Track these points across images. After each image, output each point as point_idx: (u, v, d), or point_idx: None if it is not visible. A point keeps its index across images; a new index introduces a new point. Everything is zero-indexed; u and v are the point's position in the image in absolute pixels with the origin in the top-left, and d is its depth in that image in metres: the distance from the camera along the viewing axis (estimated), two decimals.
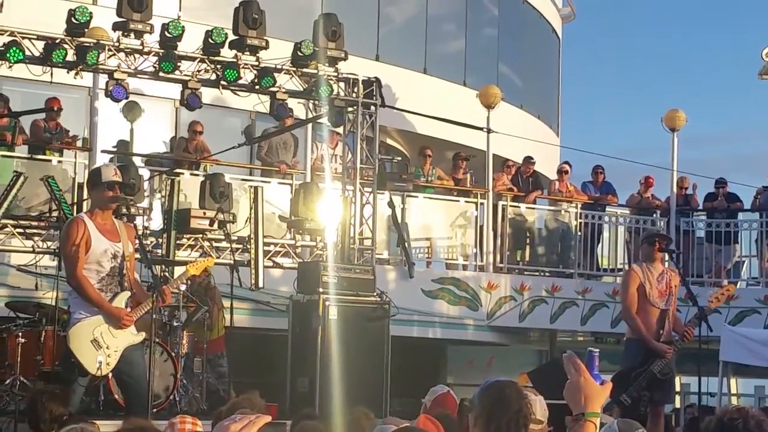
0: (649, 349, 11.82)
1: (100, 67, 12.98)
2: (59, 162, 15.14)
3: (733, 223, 20.00)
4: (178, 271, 12.89)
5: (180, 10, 19.47)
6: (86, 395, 10.45)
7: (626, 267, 19.98)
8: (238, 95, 14.19)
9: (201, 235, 14.14)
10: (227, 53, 13.54)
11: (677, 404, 21.47)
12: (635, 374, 11.75)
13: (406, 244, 17.36)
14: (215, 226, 13.88)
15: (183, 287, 12.32)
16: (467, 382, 22.02)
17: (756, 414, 4.91)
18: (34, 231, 13.55)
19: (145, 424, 4.29)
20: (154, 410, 10.31)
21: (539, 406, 6.88)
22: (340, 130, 15.84)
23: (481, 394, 5.26)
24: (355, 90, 14.55)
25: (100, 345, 9.31)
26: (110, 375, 10.09)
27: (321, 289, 12.85)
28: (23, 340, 11.96)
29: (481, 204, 18.66)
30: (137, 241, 9.72)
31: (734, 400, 23.37)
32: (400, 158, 19.56)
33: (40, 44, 12.65)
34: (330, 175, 16.25)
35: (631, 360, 12.06)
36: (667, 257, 13.01)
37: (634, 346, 12.07)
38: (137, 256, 9.72)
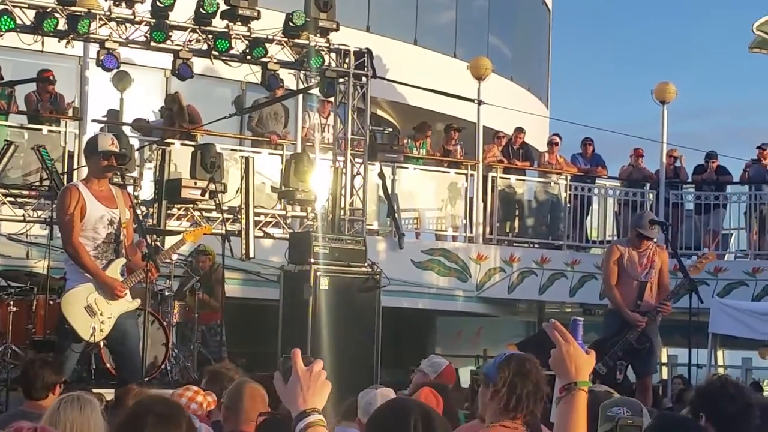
0: (625, 319, 12.02)
1: (92, 36, 12.95)
2: (50, 131, 15.10)
3: (722, 196, 20.06)
4: (169, 240, 12.91)
5: None
6: (78, 363, 10.47)
7: (615, 239, 20.12)
8: (230, 65, 14.18)
9: (192, 205, 14.15)
10: (219, 23, 13.51)
11: (664, 375, 21.60)
12: (610, 343, 11.91)
13: (396, 215, 17.37)
14: (206, 196, 13.89)
15: (175, 256, 12.32)
16: (455, 353, 22.13)
17: (733, 379, 5.07)
18: (25, 200, 13.56)
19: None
20: (146, 379, 10.34)
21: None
22: (331, 100, 15.87)
23: (500, 367, 5.25)
24: (347, 61, 14.54)
25: (93, 311, 9.33)
26: (102, 344, 10.10)
27: (312, 260, 12.86)
28: (15, 309, 11.97)
29: (471, 175, 18.67)
30: (132, 210, 9.74)
31: (721, 372, 23.52)
32: (390, 129, 19.54)
33: (31, 13, 12.60)
34: (320, 145, 16.28)
35: (608, 330, 12.27)
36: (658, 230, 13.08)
37: (612, 316, 12.37)
38: (134, 224, 9.74)
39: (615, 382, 11.67)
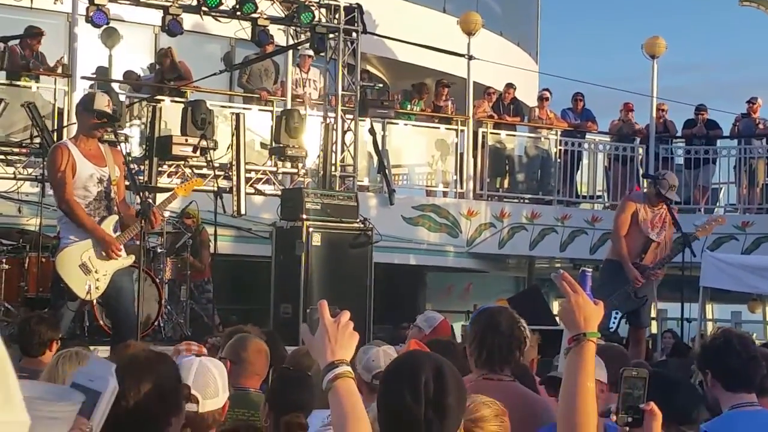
0: (625, 270, 12.06)
1: None
2: (39, 88, 15.03)
3: (712, 150, 20.07)
4: (161, 197, 12.90)
5: None
6: (72, 321, 10.47)
7: (605, 194, 20.19)
8: (219, 21, 14.12)
9: (183, 162, 14.13)
10: None
11: (654, 330, 21.69)
12: (608, 291, 11.90)
13: (387, 171, 17.36)
14: (197, 152, 13.88)
15: (167, 213, 12.30)
16: (446, 308, 22.15)
17: (737, 332, 5.10)
18: (16, 157, 13.51)
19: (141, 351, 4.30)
20: (140, 336, 10.34)
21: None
22: (312, 53, 15.85)
23: (472, 321, 5.34)
24: (337, 16, 14.50)
25: (89, 269, 9.31)
26: (95, 301, 10.09)
27: (304, 216, 12.86)
28: (7, 266, 11.93)
29: (462, 131, 18.64)
30: (126, 167, 9.70)
31: (710, 326, 23.61)
32: (381, 85, 19.50)
33: None
34: (308, 100, 16.26)
35: (606, 278, 12.26)
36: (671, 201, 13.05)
37: (612, 266, 12.35)
38: (126, 181, 9.70)
39: (608, 329, 11.74)
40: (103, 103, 9.54)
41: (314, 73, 17.02)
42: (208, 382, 4.20)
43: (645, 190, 12.89)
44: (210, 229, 13.99)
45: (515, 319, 5.40)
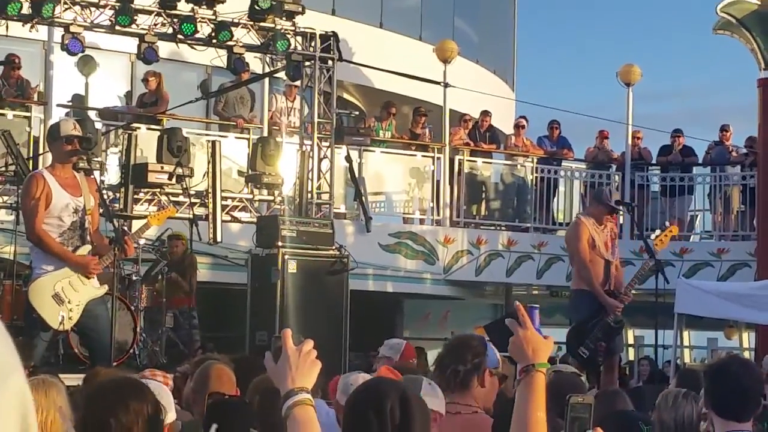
0: (599, 300, 11.78)
1: (56, 20, 12.90)
2: (15, 116, 15.02)
3: (687, 177, 20.17)
4: (137, 225, 12.89)
5: None
6: (46, 349, 10.44)
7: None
8: (195, 49, 14.15)
9: (158, 190, 14.13)
10: (184, 7, 13.48)
11: (631, 357, 21.74)
12: (590, 325, 11.75)
13: (363, 199, 17.38)
14: (173, 180, 13.88)
15: (142, 241, 12.29)
16: (423, 335, 22.19)
17: (740, 360, 5.08)
18: None
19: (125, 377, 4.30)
20: (114, 364, 10.30)
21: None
22: (298, 83, 15.90)
23: (444, 346, 5.36)
24: (313, 44, 14.53)
25: (61, 299, 9.28)
26: (71, 329, 10.07)
27: (280, 243, 12.85)
28: None
29: (438, 158, 18.70)
30: (99, 195, 9.69)
31: (686, 353, 23.70)
32: (357, 113, 19.54)
33: None
34: (286, 129, 16.30)
35: (583, 312, 11.97)
36: (623, 210, 12.99)
37: (585, 297, 11.88)
38: (100, 209, 9.69)
39: (597, 363, 11.61)
40: (68, 128, 9.54)
41: (299, 102, 17.07)
42: None
43: (589, 210, 12.58)
44: None
45: (474, 347, 5.40)
